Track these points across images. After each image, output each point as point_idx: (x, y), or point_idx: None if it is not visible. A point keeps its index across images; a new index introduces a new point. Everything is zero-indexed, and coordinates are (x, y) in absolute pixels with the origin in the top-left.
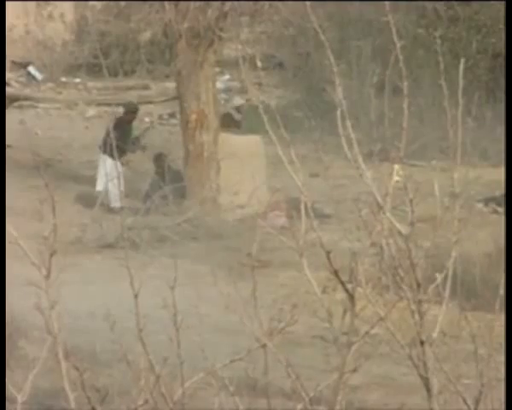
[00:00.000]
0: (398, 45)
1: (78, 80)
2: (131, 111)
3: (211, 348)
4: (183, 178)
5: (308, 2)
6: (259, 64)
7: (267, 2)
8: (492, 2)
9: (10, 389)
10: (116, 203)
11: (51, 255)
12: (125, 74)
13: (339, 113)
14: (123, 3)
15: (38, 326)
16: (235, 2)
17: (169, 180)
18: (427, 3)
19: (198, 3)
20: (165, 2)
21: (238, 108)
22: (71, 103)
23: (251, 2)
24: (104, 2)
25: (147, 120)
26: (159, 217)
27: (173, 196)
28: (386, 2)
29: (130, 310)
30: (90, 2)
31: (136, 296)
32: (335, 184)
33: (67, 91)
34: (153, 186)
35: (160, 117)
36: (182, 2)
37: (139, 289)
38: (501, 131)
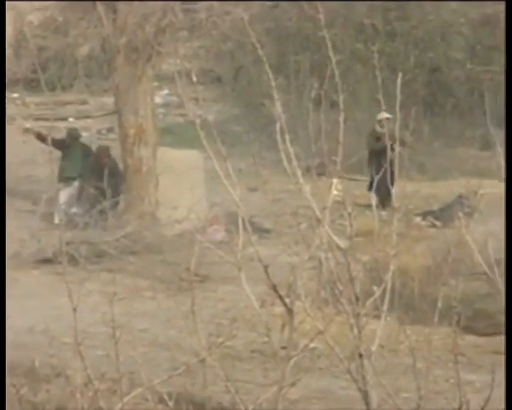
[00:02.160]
0: (335, 60)
1: (15, 95)
2: (74, 137)
3: (150, 362)
4: (121, 173)
5: (246, 18)
6: (195, 79)
7: (204, 18)
8: (430, 17)
9: None
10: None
11: None
12: (63, 89)
13: (277, 127)
14: (61, 18)
15: None
16: (173, 17)
17: (108, 174)
18: (364, 18)
19: (136, 18)
20: (104, 17)
21: (381, 123)
22: (9, 118)
23: (189, 18)
24: (42, 18)
25: (85, 134)
26: (97, 232)
27: (110, 189)
28: (322, 17)
29: (69, 325)
30: (28, 17)
31: (74, 311)
32: (274, 198)
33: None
34: (92, 201)
35: (99, 132)
36: (120, 17)
37: (77, 303)
38: (438, 145)
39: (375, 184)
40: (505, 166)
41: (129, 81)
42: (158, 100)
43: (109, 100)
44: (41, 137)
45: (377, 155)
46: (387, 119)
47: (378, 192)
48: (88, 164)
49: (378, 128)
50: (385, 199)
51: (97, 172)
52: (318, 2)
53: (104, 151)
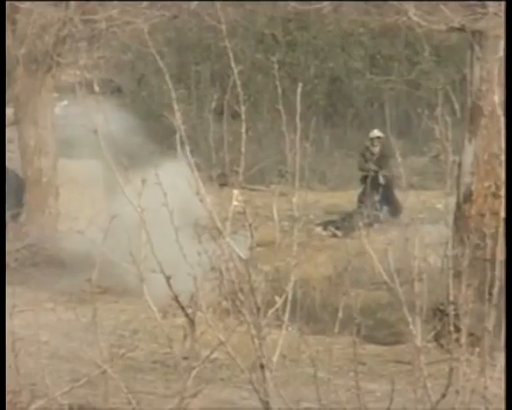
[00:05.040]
0: (236, 70)
1: None
2: None
3: (51, 374)
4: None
5: (146, 28)
6: (97, 89)
7: (104, 28)
8: (329, 27)
9: None
10: None
11: None
12: None
13: (178, 138)
14: None
15: None
16: (73, 28)
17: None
18: (264, 29)
19: (35, 29)
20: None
21: (372, 141)
22: None
23: (88, 28)
24: None
25: None
26: None
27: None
28: (224, 27)
29: None
30: None
31: None
32: (175, 208)
33: None
34: None
35: None
36: (19, 28)
37: None
38: (338, 155)
39: (378, 198)
40: (505, 165)
41: (28, 92)
42: (58, 111)
43: (9, 111)
44: None
45: (368, 172)
46: (379, 137)
47: (388, 204)
48: None
49: (370, 147)
50: (395, 209)
51: None
52: (220, 13)
53: None
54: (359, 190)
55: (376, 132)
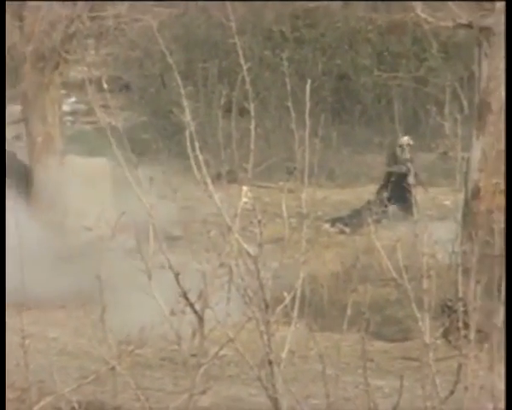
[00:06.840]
0: (245, 67)
1: None
2: None
3: (59, 371)
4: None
5: (154, 25)
6: (106, 86)
7: (112, 25)
8: (337, 24)
9: None
10: None
11: None
12: None
13: (187, 134)
14: None
15: None
16: (81, 25)
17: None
18: (272, 25)
19: (43, 26)
20: (10, 25)
21: (402, 147)
22: None
23: (96, 25)
24: None
25: None
26: None
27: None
28: (233, 24)
29: None
30: None
31: None
32: (183, 205)
33: None
34: None
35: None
36: (26, 25)
37: None
38: (346, 152)
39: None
40: (505, 164)
41: (36, 89)
42: (65, 108)
43: (16, 108)
44: None
45: (393, 176)
46: (409, 144)
47: (400, 203)
48: None
49: (398, 153)
50: (408, 209)
51: None
52: (229, 10)
53: None
54: (367, 186)
55: (407, 140)
